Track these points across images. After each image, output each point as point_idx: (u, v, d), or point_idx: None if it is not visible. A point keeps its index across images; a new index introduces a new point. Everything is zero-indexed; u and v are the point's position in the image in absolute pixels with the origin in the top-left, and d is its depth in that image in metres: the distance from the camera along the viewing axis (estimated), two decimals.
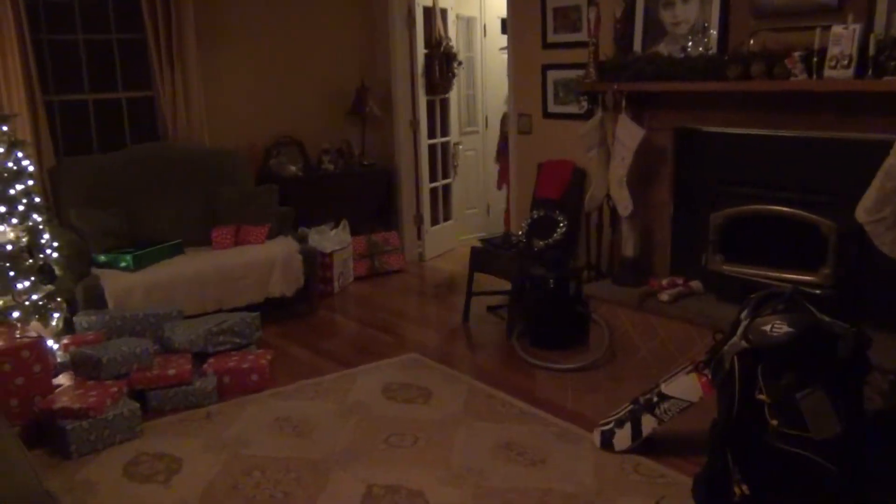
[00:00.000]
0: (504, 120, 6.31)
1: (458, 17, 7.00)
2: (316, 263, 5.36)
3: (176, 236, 5.04)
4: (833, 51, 3.45)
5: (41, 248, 4.17)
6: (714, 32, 4.05)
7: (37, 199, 4.21)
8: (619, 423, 3.40)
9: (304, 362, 4.50)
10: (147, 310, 4.36)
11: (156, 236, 4.98)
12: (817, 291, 3.56)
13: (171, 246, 4.93)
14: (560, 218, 4.84)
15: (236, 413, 3.82)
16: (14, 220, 4.02)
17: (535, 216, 5.00)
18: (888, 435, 2.99)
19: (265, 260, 5.01)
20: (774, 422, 2.51)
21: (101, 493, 3.14)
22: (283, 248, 5.12)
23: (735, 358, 2.62)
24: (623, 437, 3.35)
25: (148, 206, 5.14)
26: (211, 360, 4.12)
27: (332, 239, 5.70)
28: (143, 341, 3.99)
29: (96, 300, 4.42)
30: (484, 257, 5.05)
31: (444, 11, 6.70)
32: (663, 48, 4.28)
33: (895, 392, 3.12)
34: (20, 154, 4.15)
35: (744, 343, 2.60)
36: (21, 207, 4.06)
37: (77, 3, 5.44)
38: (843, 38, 3.43)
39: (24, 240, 4.02)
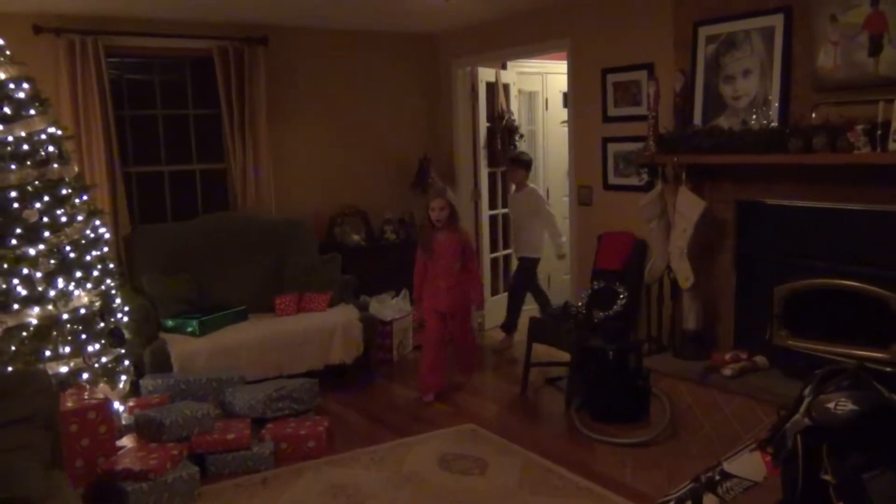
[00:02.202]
0: None
1: (520, 91, 7.14)
2: (375, 331, 5.42)
3: (241, 303, 5.16)
4: None
5: (113, 313, 4.33)
6: (776, 105, 4.05)
7: (111, 266, 4.39)
8: (679, 502, 3.29)
9: (360, 430, 4.51)
10: (210, 374, 4.46)
11: (222, 303, 5.12)
12: (888, 369, 3.43)
13: (235, 312, 5.06)
14: (620, 289, 4.80)
15: (292, 479, 3.84)
16: (89, 286, 4.18)
17: (596, 287, 4.97)
18: None
19: (326, 327, 5.08)
20: (840, 503, 2.41)
21: None
22: (343, 316, 5.19)
23: (798, 436, 2.53)
24: None
25: (216, 273, 5.30)
26: (269, 426, 4.16)
27: (393, 307, 5.76)
28: (204, 405, 4.07)
29: (162, 364, 4.54)
30: (543, 328, 5.03)
31: (506, 86, 6.85)
32: (723, 121, 4.28)
33: None
34: (98, 222, 4.35)
35: (807, 420, 2.51)
36: (96, 273, 4.23)
37: (158, 81, 5.76)
38: None
39: (96, 304, 4.18)
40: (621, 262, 5.00)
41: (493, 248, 6.81)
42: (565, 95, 6.45)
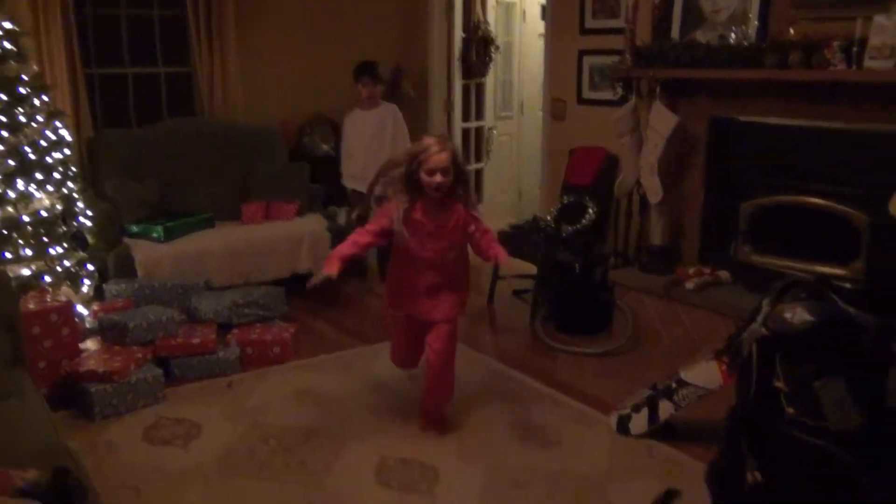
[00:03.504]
0: None
1: (497, 1, 6.96)
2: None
3: (207, 210, 5.10)
4: (874, 41, 3.38)
5: (75, 216, 4.26)
6: (754, 21, 3.98)
7: (73, 169, 4.30)
8: (637, 408, 3.38)
9: (327, 337, 4.54)
10: (175, 280, 4.42)
11: (188, 209, 5.05)
12: (847, 285, 3.50)
13: (202, 219, 5.00)
14: (589, 204, 4.80)
15: (257, 383, 3.87)
16: (50, 188, 4.09)
17: (565, 201, 4.96)
18: None
19: (293, 236, 5.04)
20: (791, 410, 2.47)
21: (121, 454, 3.21)
22: (312, 226, 5.15)
23: (754, 344, 2.58)
24: (639, 422, 3.33)
25: (181, 179, 5.21)
26: (235, 331, 4.17)
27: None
28: (169, 310, 4.06)
29: (126, 269, 4.49)
30: (511, 241, 5.02)
31: None
32: (701, 36, 4.22)
33: None
34: (59, 124, 4.23)
35: (763, 330, 2.55)
36: (57, 176, 4.13)
37: None
38: (885, 28, 3.35)
39: (58, 207, 4.10)
40: (592, 177, 4.98)
41: (466, 162, 6.73)
42: (543, 8, 6.30)
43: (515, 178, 7.43)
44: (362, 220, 3.76)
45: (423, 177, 3.02)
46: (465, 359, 4.17)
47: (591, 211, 4.77)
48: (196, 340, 3.95)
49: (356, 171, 5.14)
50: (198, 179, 5.26)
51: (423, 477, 3.05)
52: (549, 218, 4.97)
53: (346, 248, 3.19)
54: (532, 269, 4.92)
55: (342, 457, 3.18)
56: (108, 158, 5.04)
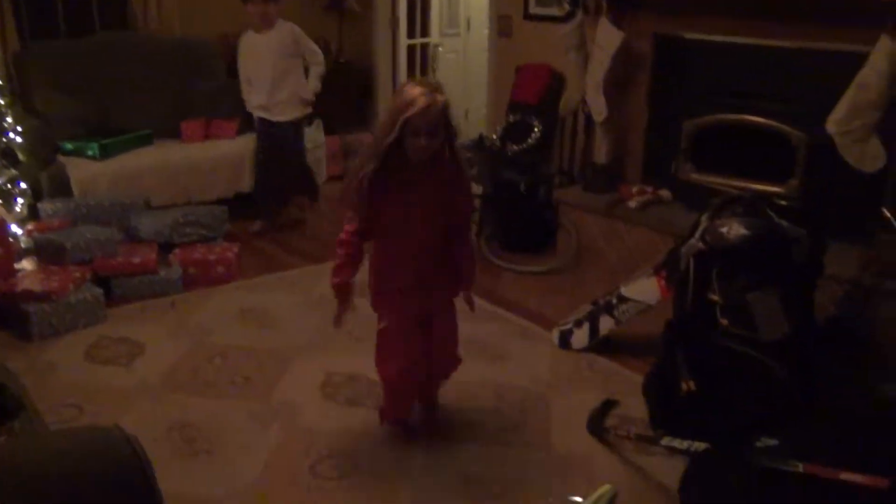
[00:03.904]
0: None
1: None
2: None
3: (145, 127, 4.94)
4: None
5: (4, 132, 4.09)
6: None
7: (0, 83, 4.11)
8: (578, 324, 3.45)
9: (271, 257, 4.50)
10: (113, 199, 4.31)
11: (124, 126, 4.89)
12: (783, 202, 3.58)
13: (139, 136, 4.85)
14: (535, 123, 4.79)
15: (201, 303, 3.84)
16: None
17: (511, 120, 4.94)
18: (837, 340, 3.06)
19: (235, 155, 4.94)
20: (724, 321, 2.56)
21: (62, 373, 3.17)
22: (253, 144, 5.03)
23: (691, 259, 2.64)
24: (580, 337, 3.41)
25: (117, 95, 5.02)
26: (177, 251, 4.11)
27: (306, 138, 5.61)
28: (108, 229, 3.97)
29: (61, 188, 4.36)
30: None
31: None
32: None
33: (848, 301, 3.17)
34: None
35: (701, 244, 2.62)
36: None
37: None
38: None
39: None
40: (537, 96, 4.94)
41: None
42: None
43: (461, 97, 7.32)
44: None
45: (407, 139, 2.34)
46: None
47: (536, 130, 4.76)
48: (137, 260, 3.88)
49: (262, 102, 4.70)
50: (134, 95, 5.08)
51: (370, 392, 3.09)
52: (494, 137, 4.94)
53: (345, 272, 2.63)
54: (477, 188, 4.91)
55: (287, 373, 3.20)
56: (39, 73, 4.82)
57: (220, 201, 4.71)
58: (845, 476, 1.78)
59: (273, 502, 2.46)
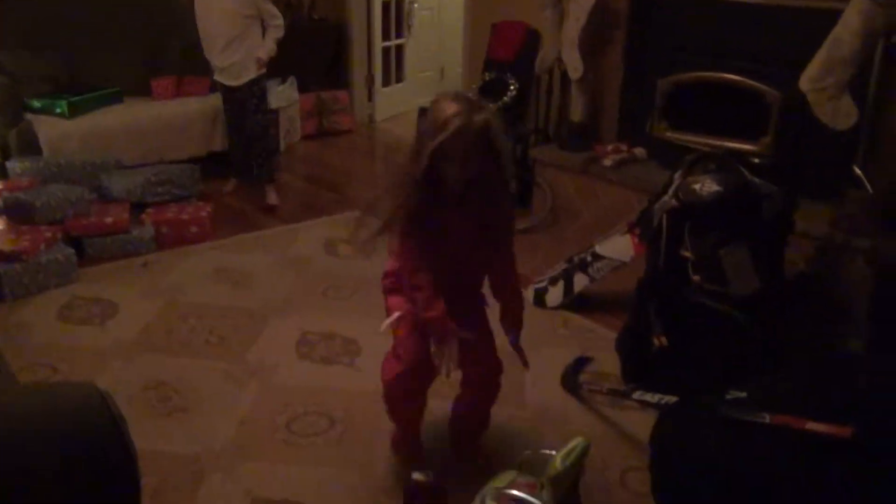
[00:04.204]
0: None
1: None
2: None
3: (115, 85, 4.85)
4: None
5: None
6: None
7: None
8: (553, 281, 3.47)
9: (246, 217, 4.47)
10: (84, 158, 4.25)
11: (94, 84, 4.79)
12: (756, 160, 3.60)
13: (109, 94, 4.76)
14: (511, 80, 4.76)
15: (174, 263, 3.82)
16: None
17: (487, 78, 4.91)
18: (807, 297, 3.11)
19: (207, 113, 4.87)
20: (696, 277, 2.58)
21: (35, 333, 3.15)
22: None
23: (664, 216, 2.66)
24: (555, 294, 3.43)
25: (86, 52, 4.91)
26: (149, 210, 4.07)
27: (279, 95, 5.55)
28: (79, 188, 3.92)
29: (30, 146, 4.29)
30: None
31: None
32: None
33: (818, 258, 3.21)
34: None
35: (673, 201, 2.63)
36: None
37: None
38: None
39: None
40: (513, 53, 4.91)
41: (386, 37, 6.54)
42: None
43: (437, 55, 7.27)
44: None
45: (441, 165, 1.97)
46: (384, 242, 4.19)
47: (512, 87, 4.74)
48: (109, 220, 3.84)
49: (220, 64, 4.46)
50: (104, 52, 4.97)
51: (345, 350, 3.10)
52: (470, 95, 4.90)
53: (437, 303, 2.12)
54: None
55: (263, 333, 3.20)
56: (5, 29, 4.70)
57: (192, 160, 4.65)
58: (810, 426, 1.82)
59: (249, 459, 2.47)
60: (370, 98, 6.46)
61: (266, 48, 4.45)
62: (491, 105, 2.01)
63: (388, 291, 2.30)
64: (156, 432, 2.56)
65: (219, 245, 4.04)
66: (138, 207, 4.09)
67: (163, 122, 4.73)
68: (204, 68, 5.02)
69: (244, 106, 4.54)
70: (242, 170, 4.81)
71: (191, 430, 2.60)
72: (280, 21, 4.49)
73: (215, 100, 4.93)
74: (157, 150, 4.69)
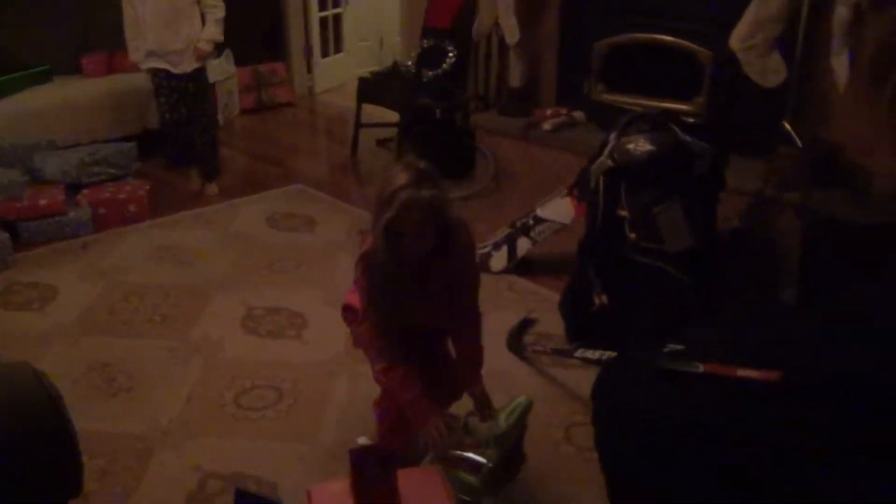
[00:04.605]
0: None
1: None
2: None
3: (44, 63, 4.71)
4: None
5: None
6: None
7: None
8: (496, 246, 3.51)
9: (185, 194, 4.40)
10: (14, 140, 4.13)
11: (20, 63, 4.64)
12: (690, 119, 3.67)
13: (37, 73, 4.63)
14: (449, 48, 4.75)
15: (114, 243, 3.76)
16: None
17: (425, 46, 4.88)
18: (739, 251, 3.20)
19: (141, 89, 4.75)
20: (633, 236, 2.64)
21: None
22: None
23: (601, 176, 2.71)
24: (499, 259, 3.48)
25: (10, 29, 4.74)
26: (85, 191, 3.98)
27: (215, 69, 5.44)
28: (11, 171, 3.82)
29: None
30: (372, 88, 4.96)
31: None
32: None
33: (750, 213, 3.30)
34: None
35: (609, 162, 2.68)
36: None
37: None
38: None
39: None
40: (451, 20, 4.89)
41: (322, 7, 6.45)
42: None
43: (376, 24, 7.20)
44: None
45: (391, 235, 1.95)
46: (330, 209, 4.19)
47: (451, 55, 4.73)
48: (43, 202, 3.75)
49: (152, 47, 4.04)
50: (30, 29, 4.81)
51: (292, 323, 3.10)
52: (409, 64, 4.89)
53: (412, 392, 2.06)
54: (394, 116, 4.88)
55: (207, 310, 3.18)
56: None
57: (127, 138, 4.55)
58: (742, 372, 1.89)
59: (198, 435, 2.47)
60: (309, 70, 6.38)
61: (207, 34, 4.07)
62: (440, 179, 1.97)
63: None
64: (102, 413, 2.54)
65: (159, 223, 3.99)
66: (74, 188, 4.00)
67: (95, 100, 4.62)
68: None
69: (190, 101, 4.17)
70: (211, 165, 4.46)
71: (137, 409, 2.58)
72: (220, 2, 4.11)
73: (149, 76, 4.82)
74: (91, 130, 4.58)
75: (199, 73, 4.18)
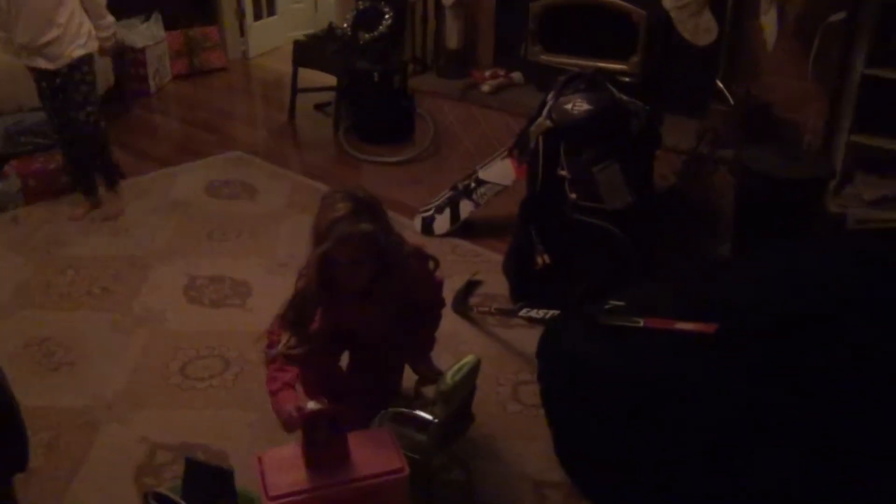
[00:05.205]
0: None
1: None
2: (126, 60, 5.00)
3: None
4: None
5: None
6: None
7: None
8: (439, 209, 3.53)
9: (120, 163, 4.28)
10: None
11: None
12: (626, 79, 3.71)
13: None
14: (385, 9, 4.69)
15: (46, 215, 3.65)
16: None
17: (361, 7, 4.82)
18: (676, 208, 3.28)
19: None
20: (573, 195, 2.68)
21: None
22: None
23: (540, 137, 2.73)
24: (442, 222, 3.50)
25: None
26: (13, 163, 3.84)
27: (144, 33, 5.29)
28: None
29: None
30: (308, 52, 4.88)
31: None
32: None
33: (686, 171, 3.39)
34: None
35: (548, 122, 2.71)
36: None
37: None
38: None
39: None
40: None
41: None
42: None
43: None
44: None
45: (327, 269, 1.96)
46: (270, 176, 4.14)
47: (387, 16, 4.67)
48: None
49: (25, 41, 3.28)
50: None
51: (235, 292, 3.08)
52: (345, 26, 4.82)
53: (287, 396, 2.05)
54: (332, 80, 4.82)
55: (148, 280, 3.13)
56: None
57: None
58: (679, 325, 1.96)
59: (144, 407, 2.45)
60: (242, 33, 6.23)
61: (105, 26, 3.46)
62: (381, 209, 1.97)
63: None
64: (43, 388, 2.50)
65: None
66: (1, 160, 3.86)
67: (17, 68, 4.42)
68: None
69: (69, 96, 3.42)
70: (90, 184, 3.69)
71: (80, 382, 2.55)
72: None
73: None
74: (14, 98, 4.39)
75: (86, 63, 3.43)
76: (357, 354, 2.32)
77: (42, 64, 3.34)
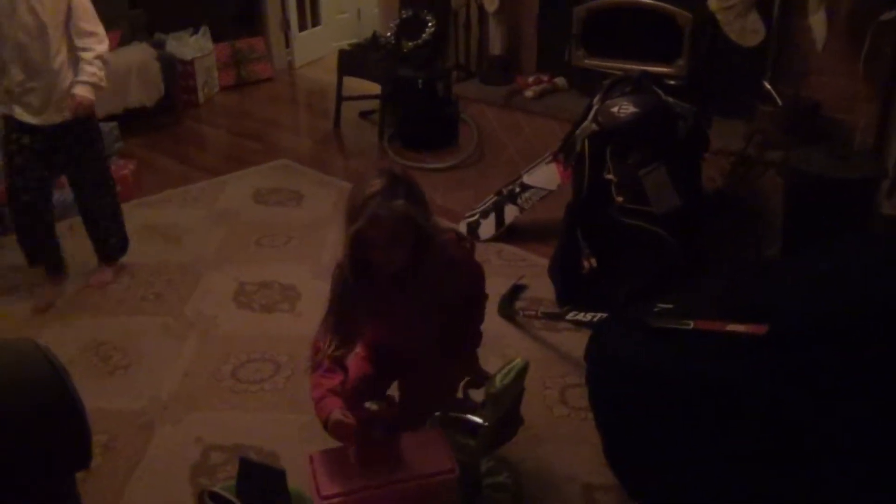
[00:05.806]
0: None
1: None
2: (176, 71, 5.11)
3: None
4: None
5: None
6: None
7: None
8: (484, 214, 3.54)
9: (170, 172, 4.39)
10: None
11: None
12: (671, 82, 3.69)
13: None
14: (428, 17, 4.73)
15: None
16: None
17: (404, 16, 4.86)
18: (725, 210, 3.25)
19: (119, 68, 4.68)
20: (620, 198, 2.68)
21: None
22: (138, 55, 4.82)
23: (586, 141, 2.73)
24: (488, 227, 3.51)
25: None
26: None
27: (192, 45, 5.40)
28: None
29: None
30: (352, 61, 4.93)
31: None
32: None
33: (734, 173, 3.35)
34: None
35: (594, 125, 2.71)
36: None
37: None
38: None
39: None
40: None
41: None
42: None
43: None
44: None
45: (360, 252, 1.87)
46: (316, 183, 4.19)
47: (430, 24, 4.72)
48: None
49: (11, 87, 2.88)
50: None
51: (284, 297, 3.13)
52: (389, 34, 4.87)
53: (332, 402, 1.91)
54: (376, 88, 4.87)
55: (199, 287, 3.20)
56: None
57: (109, 118, 4.51)
58: (730, 327, 1.94)
59: (197, 409, 2.50)
60: (287, 44, 6.33)
61: (87, 77, 2.95)
62: (417, 187, 1.86)
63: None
64: (100, 391, 2.56)
65: (145, 202, 3.98)
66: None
67: None
68: (111, 21, 4.85)
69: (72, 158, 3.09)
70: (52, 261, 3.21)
71: (135, 385, 2.61)
72: (97, 42, 3.01)
73: (128, 54, 4.78)
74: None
75: (90, 122, 3.12)
76: (405, 381, 2.21)
77: (30, 118, 2.94)
